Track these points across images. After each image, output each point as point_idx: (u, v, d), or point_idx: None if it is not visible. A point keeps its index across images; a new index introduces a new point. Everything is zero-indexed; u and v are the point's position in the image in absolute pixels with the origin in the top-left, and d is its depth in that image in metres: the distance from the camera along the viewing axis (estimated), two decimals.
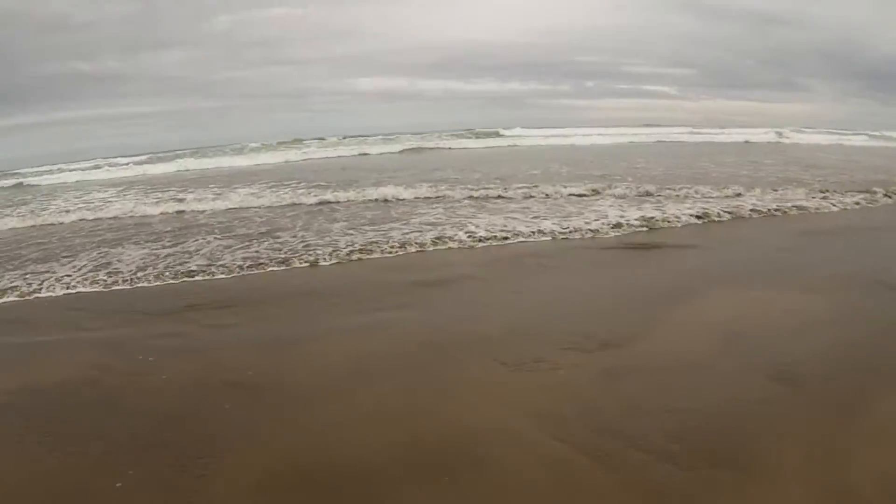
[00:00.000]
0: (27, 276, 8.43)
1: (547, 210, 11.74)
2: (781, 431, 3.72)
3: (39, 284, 8.01)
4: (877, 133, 45.92)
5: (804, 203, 12.02)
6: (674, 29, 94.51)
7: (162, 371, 5.03)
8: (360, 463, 3.54)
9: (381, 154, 32.94)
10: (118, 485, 3.40)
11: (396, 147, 35.41)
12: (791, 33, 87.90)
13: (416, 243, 9.18)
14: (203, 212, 13.45)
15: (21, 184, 27.13)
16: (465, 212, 11.68)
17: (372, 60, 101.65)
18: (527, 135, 42.57)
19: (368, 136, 43.90)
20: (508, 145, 36.67)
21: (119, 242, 10.56)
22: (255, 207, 13.42)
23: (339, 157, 31.95)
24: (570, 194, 13.20)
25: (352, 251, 8.92)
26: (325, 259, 8.63)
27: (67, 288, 7.78)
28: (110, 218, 13.50)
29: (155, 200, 15.55)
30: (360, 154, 32.63)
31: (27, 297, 7.65)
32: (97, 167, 33.68)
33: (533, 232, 9.80)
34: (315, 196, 13.85)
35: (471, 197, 13.28)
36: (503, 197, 13.24)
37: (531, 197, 13.18)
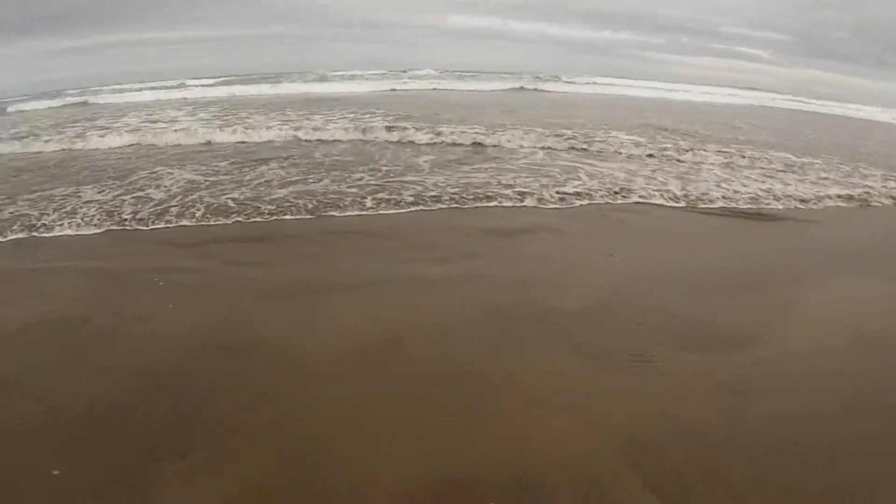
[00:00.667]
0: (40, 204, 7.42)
1: (664, 169, 9.92)
2: None
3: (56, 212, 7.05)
4: None
5: None
6: None
7: (153, 317, 4.17)
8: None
9: (473, 91, 31.20)
10: (55, 472, 2.60)
11: (494, 85, 33.39)
12: (889, 8, 77.09)
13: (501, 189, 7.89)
14: (269, 142, 12.45)
15: (86, 102, 27.21)
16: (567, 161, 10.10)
17: None
18: (618, 83, 39.62)
19: (463, 71, 41.86)
20: (597, 93, 33.81)
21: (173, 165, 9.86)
22: (335, 140, 12.11)
23: (432, 89, 30.51)
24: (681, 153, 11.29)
25: (438, 195, 7.60)
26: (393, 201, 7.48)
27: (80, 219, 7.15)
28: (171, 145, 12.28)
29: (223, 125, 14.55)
30: (450, 90, 30.91)
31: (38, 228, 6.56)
32: (179, 86, 33.95)
33: (654, 192, 8.17)
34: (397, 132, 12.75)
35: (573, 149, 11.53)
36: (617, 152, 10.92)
37: (651, 156, 10.80)
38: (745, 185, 8.71)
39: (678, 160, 10.18)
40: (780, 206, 7.99)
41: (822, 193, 8.56)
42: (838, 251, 6.23)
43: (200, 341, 3.78)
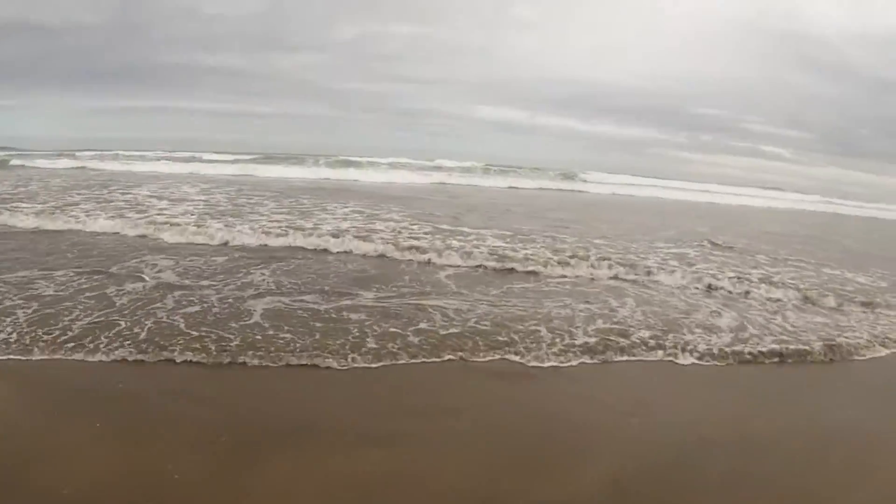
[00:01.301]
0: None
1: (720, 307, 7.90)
2: None
3: None
4: None
5: None
6: (792, 87, 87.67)
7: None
8: None
9: (499, 189, 30.23)
10: None
11: (520, 182, 32.61)
12: None
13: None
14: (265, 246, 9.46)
15: (84, 167, 26.30)
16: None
17: (493, 88, 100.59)
18: (645, 184, 39.23)
19: (490, 165, 41.50)
20: (627, 195, 32.67)
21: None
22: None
23: (457, 184, 29.66)
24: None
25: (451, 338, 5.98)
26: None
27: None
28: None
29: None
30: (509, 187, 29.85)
31: None
32: (192, 159, 33.78)
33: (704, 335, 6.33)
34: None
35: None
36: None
37: (710, 288, 8.38)
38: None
39: (736, 293, 8.13)
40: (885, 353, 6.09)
41: None
42: None
43: None
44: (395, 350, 5.11)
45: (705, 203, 32.20)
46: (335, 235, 9.82)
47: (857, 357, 5.99)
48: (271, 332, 5.29)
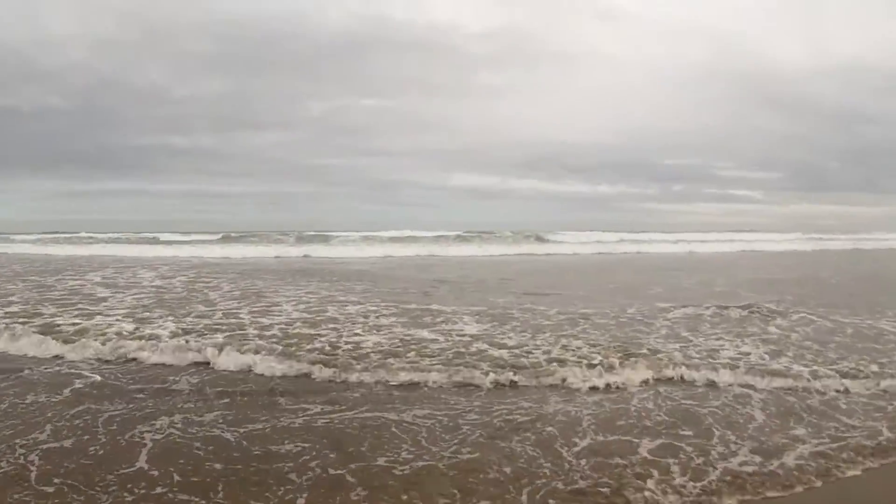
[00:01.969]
0: None
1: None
2: None
3: None
4: None
5: None
6: (759, 128, 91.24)
7: None
8: None
9: (471, 257, 29.28)
10: None
11: (493, 249, 31.74)
12: (876, 131, 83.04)
13: None
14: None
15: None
16: None
17: (462, 156, 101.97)
18: (620, 239, 38.87)
19: (465, 232, 40.84)
20: (607, 252, 31.99)
21: None
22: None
23: (429, 255, 28.62)
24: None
25: None
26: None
27: None
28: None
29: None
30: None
31: None
32: (153, 241, 32.68)
33: None
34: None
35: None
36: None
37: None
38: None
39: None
40: None
41: None
42: None
43: None
44: None
45: (684, 253, 31.74)
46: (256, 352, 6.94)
47: None
48: (160, 490, 3.82)
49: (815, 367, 6.64)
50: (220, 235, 37.06)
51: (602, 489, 3.84)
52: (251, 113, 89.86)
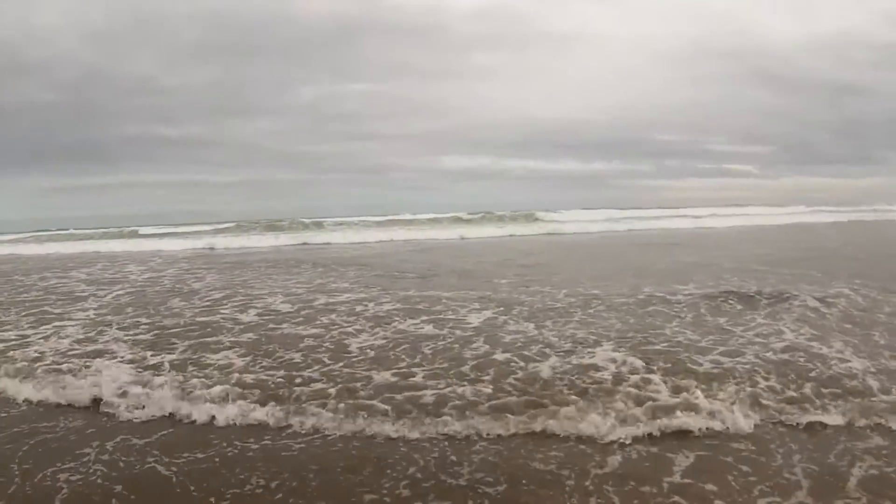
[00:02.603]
0: None
1: None
2: None
3: None
4: None
5: None
6: (750, 102, 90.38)
7: None
8: None
9: (471, 239, 28.55)
10: None
11: (489, 230, 30.93)
12: (867, 103, 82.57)
13: None
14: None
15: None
16: None
17: (454, 137, 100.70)
18: (622, 216, 37.96)
19: (461, 214, 40.01)
20: (609, 230, 31.26)
21: None
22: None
23: (429, 238, 27.86)
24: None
25: None
26: None
27: None
28: None
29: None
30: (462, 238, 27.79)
31: None
32: (132, 234, 31.90)
33: None
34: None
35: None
36: None
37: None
38: None
39: None
40: None
41: None
42: None
43: None
44: None
45: (691, 228, 30.94)
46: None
47: None
48: None
49: None
50: (217, 226, 36.27)
51: None
52: (241, 101, 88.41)
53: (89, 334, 7.52)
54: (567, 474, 3.69)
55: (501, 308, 8.37)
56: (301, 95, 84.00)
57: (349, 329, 7.41)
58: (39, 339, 7.39)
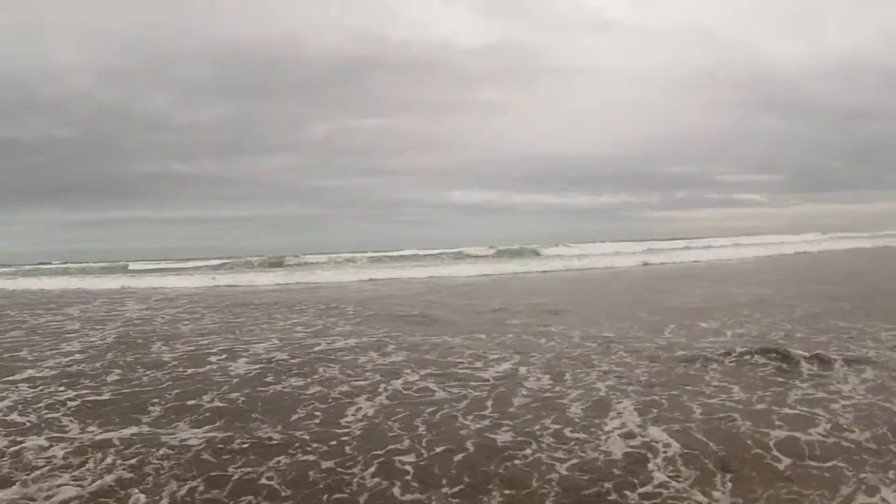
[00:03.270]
0: None
1: None
2: None
3: None
4: None
5: None
6: (761, 131, 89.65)
7: None
8: None
9: (475, 277, 27.70)
10: None
11: (489, 268, 29.95)
12: (877, 127, 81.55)
13: None
14: None
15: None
16: None
17: (464, 172, 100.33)
18: (623, 251, 36.70)
19: (460, 249, 39.28)
20: (617, 266, 30.09)
21: None
22: None
23: (428, 277, 26.97)
24: None
25: None
26: None
27: None
28: None
29: None
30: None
31: None
32: (122, 271, 31.15)
33: None
34: None
35: None
36: None
37: None
38: None
39: None
40: None
41: None
42: None
43: None
44: None
45: (711, 259, 29.79)
46: None
47: None
48: None
49: None
50: (226, 262, 35.77)
51: None
52: (254, 138, 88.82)
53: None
54: None
55: (519, 355, 7.53)
56: (313, 131, 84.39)
57: (345, 388, 6.53)
58: None
